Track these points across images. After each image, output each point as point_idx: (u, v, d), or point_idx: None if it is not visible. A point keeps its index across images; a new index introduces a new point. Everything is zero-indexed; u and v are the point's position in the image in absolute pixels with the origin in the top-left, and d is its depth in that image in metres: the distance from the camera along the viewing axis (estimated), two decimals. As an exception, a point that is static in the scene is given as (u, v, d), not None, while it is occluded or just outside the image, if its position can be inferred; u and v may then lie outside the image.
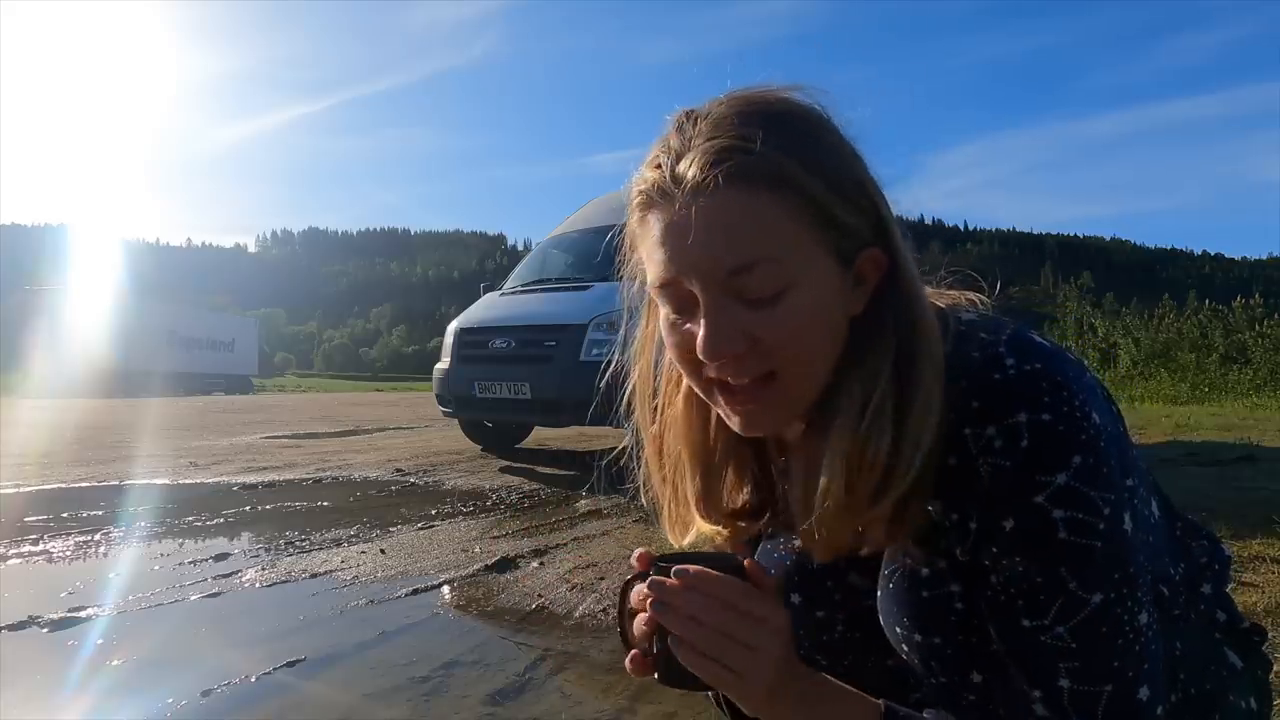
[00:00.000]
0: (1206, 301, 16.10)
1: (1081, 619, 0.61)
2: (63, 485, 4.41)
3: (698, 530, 0.81)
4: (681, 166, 0.63)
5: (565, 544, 3.04)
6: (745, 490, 0.82)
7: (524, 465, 5.39)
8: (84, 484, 4.47)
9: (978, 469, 0.62)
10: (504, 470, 5.17)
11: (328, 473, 5.00)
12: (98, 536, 3.10)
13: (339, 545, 3.00)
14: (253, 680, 1.70)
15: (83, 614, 2.12)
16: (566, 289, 5.58)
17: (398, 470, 5.12)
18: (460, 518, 3.59)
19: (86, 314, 25.77)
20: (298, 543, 3.02)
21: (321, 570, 2.64)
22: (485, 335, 5.54)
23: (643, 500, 0.86)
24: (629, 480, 0.87)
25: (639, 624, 0.69)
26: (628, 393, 0.83)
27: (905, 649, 0.72)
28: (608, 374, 0.85)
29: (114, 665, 1.79)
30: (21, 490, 4.23)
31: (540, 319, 5.35)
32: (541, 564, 2.74)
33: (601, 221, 6.16)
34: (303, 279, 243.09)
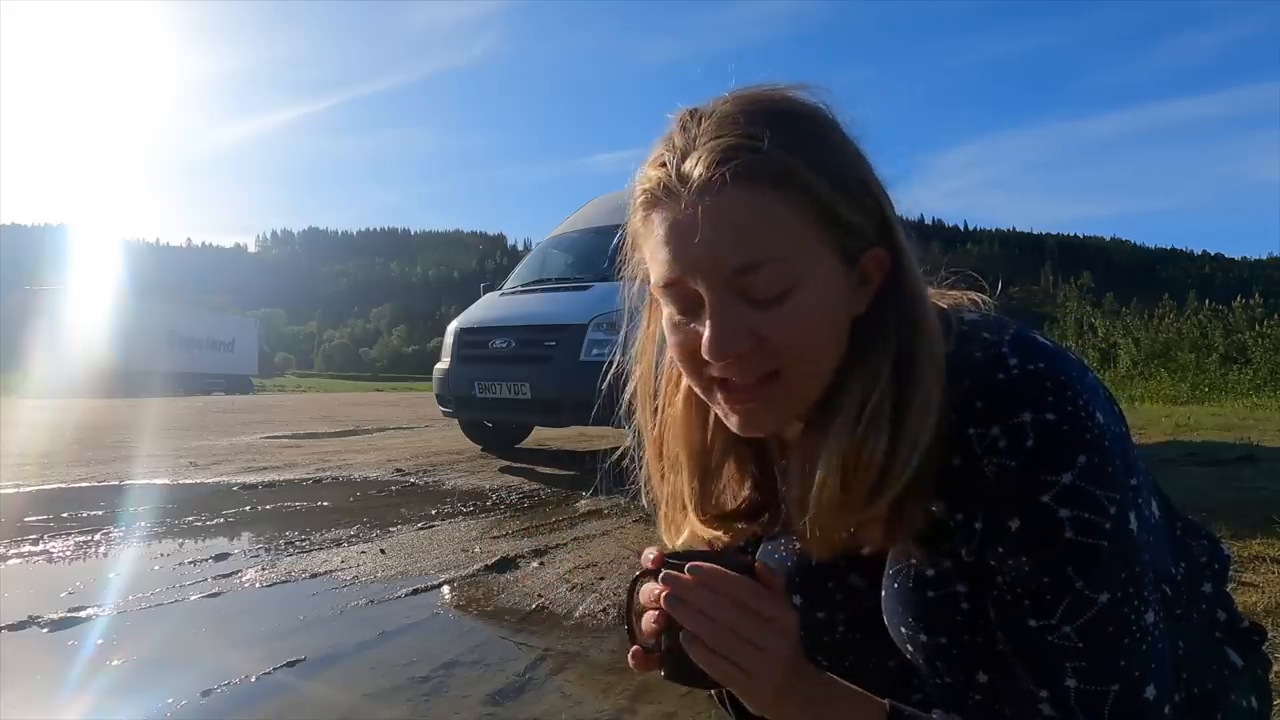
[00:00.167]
0: (1206, 301, 16.10)
1: (1088, 619, 0.61)
2: (63, 485, 4.41)
3: (693, 531, 0.81)
4: (687, 165, 0.63)
5: (565, 544, 3.04)
6: (744, 491, 0.82)
7: (524, 465, 5.39)
8: (84, 484, 4.47)
9: (982, 469, 0.62)
10: (504, 470, 5.16)
11: (328, 473, 5.00)
12: (98, 536, 3.09)
13: (339, 545, 3.00)
14: (253, 680, 1.70)
15: (83, 614, 2.12)
16: (566, 289, 5.58)
17: (398, 470, 5.12)
18: (460, 518, 3.59)
19: (86, 314, 25.77)
20: (298, 543, 3.02)
21: (321, 570, 2.64)
22: (485, 335, 5.54)
23: (644, 501, 0.85)
24: (630, 481, 0.87)
25: (647, 620, 0.70)
26: (629, 394, 0.83)
27: (910, 649, 0.72)
28: (609, 375, 0.85)
29: (114, 665, 1.79)
30: (21, 490, 4.23)
31: (540, 319, 5.35)
32: (541, 564, 2.74)
33: (602, 221, 6.16)
34: (303, 279, 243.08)
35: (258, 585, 2.46)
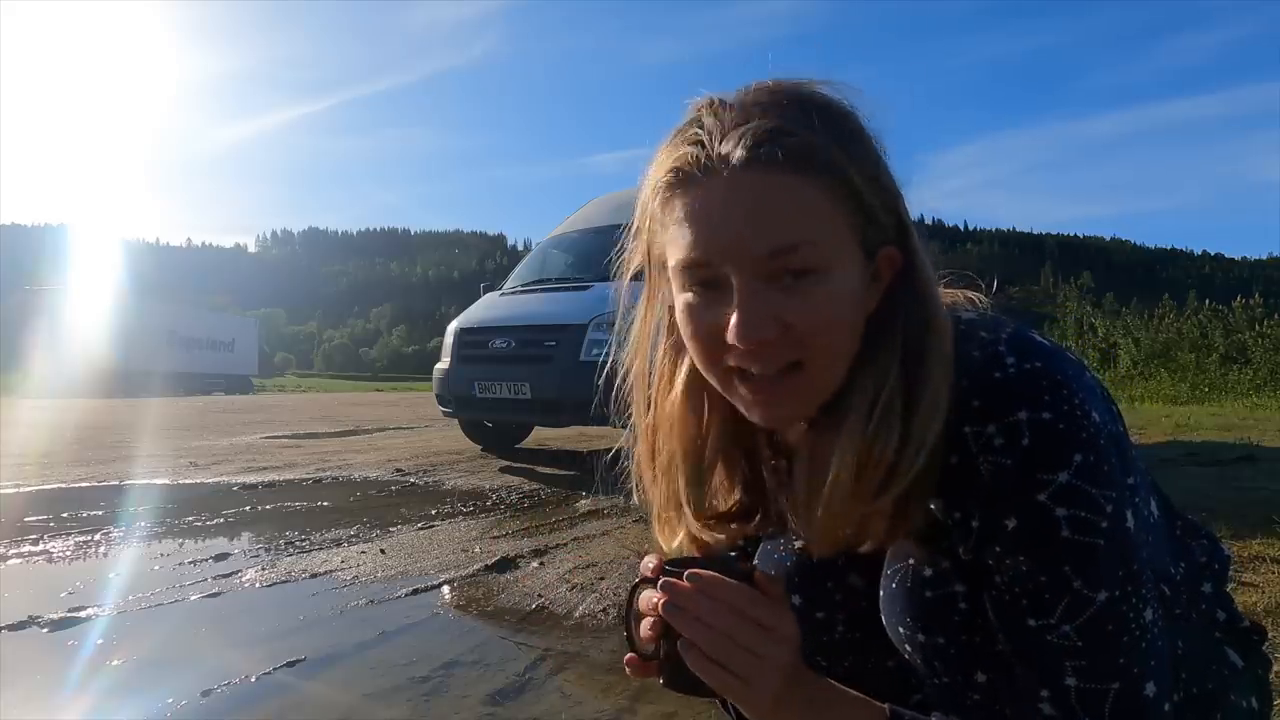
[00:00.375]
0: (1206, 301, 16.09)
1: (1087, 617, 0.61)
2: (63, 485, 4.41)
3: (689, 532, 0.81)
4: (725, 145, 0.62)
5: (565, 544, 3.04)
6: (735, 493, 0.82)
7: (524, 465, 5.39)
8: (84, 484, 4.47)
9: (979, 467, 0.62)
10: (504, 470, 5.16)
11: (328, 473, 5.00)
12: (98, 536, 3.09)
13: (339, 545, 3.00)
14: (253, 680, 1.70)
15: (83, 614, 2.12)
16: (566, 289, 5.58)
17: (398, 470, 5.12)
18: (460, 518, 3.58)
19: (86, 314, 25.77)
20: (298, 543, 3.02)
21: (321, 570, 2.64)
22: (485, 335, 5.54)
23: (636, 501, 0.85)
24: (623, 480, 0.86)
25: (645, 627, 0.70)
26: (626, 390, 0.82)
27: (908, 649, 0.72)
28: (605, 372, 0.84)
29: (114, 665, 1.79)
30: (21, 490, 4.23)
31: (540, 319, 5.35)
32: (541, 564, 2.74)
33: (602, 221, 6.16)
34: (303, 279, 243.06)
35: (258, 585, 2.46)
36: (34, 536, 3.06)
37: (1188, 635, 0.72)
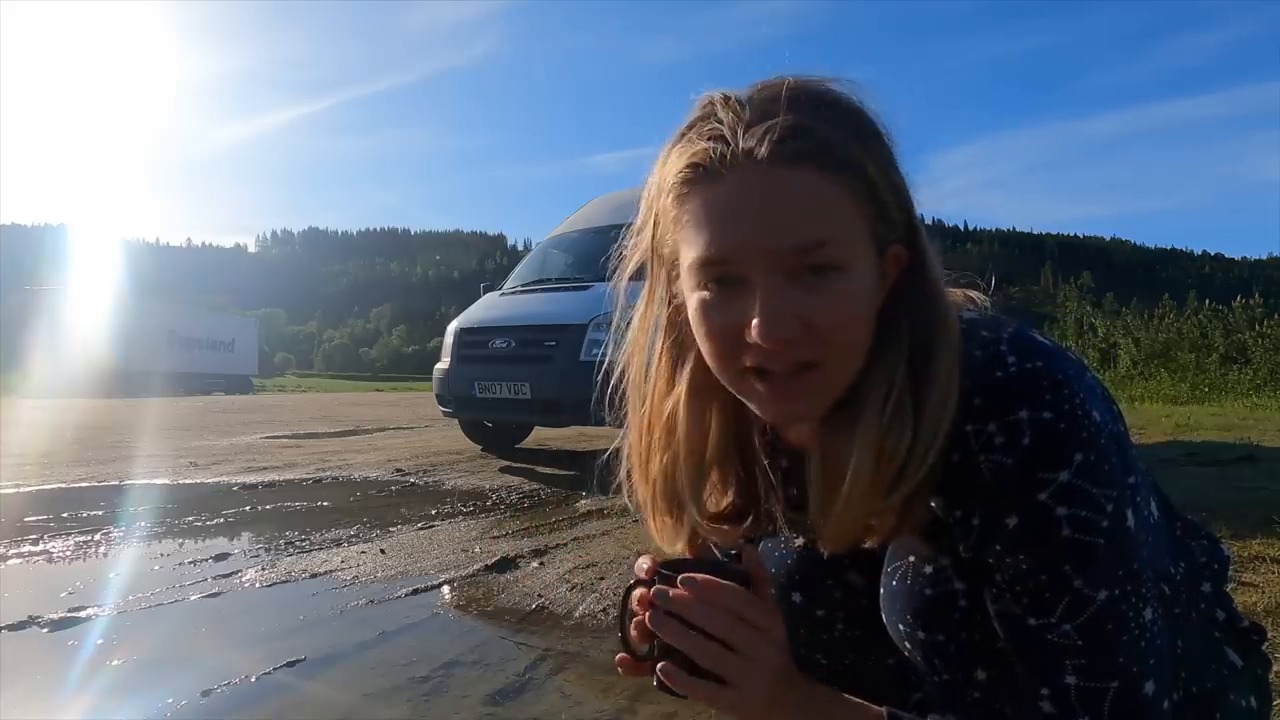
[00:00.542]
0: (1206, 301, 16.09)
1: (1087, 616, 0.61)
2: (63, 485, 4.41)
3: (689, 531, 0.80)
4: (747, 141, 0.61)
5: (565, 544, 3.04)
6: (729, 494, 0.82)
7: (524, 465, 5.39)
8: (84, 484, 4.47)
9: (979, 466, 0.63)
10: (504, 470, 5.16)
11: (328, 473, 5.00)
12: (98, 536, 3.09)
13: (339, 545, 3.00)
14: (253, 680, 1.70)
15: (83, 614, 2.12)
16: (566, 289, 5.58)
17: (398, 470, 5.12)
18: (460, 518, 3.58)
19: (86, 314, 25.77)
20: (298, 543, 3.02)
21: (321, 570, 2.64)
22: (485, 335, 5.54)
23: (626, 501, 0.84)
24: (619, 481, 0.86)
25: (635, 627, 0.70)
26: (623, 388, 0.82)
27: (908, 646, 0.72)
28: (603, 371, 0.83)
29: (114, 665, 1.79)
30: (21, 490, 4.23)
31: (540, 319, 5.36)
32: (541, 564, 2.74)
33: (602, 221, 6.16)
34: (303, 279, 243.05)
35: (258, 585, 2.46)
36: (34, 536, 3.06)
37: (1187, 634, 0.72)
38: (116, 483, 4.53)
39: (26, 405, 13.37)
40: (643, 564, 0.72)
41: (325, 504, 3.93)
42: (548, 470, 5.20)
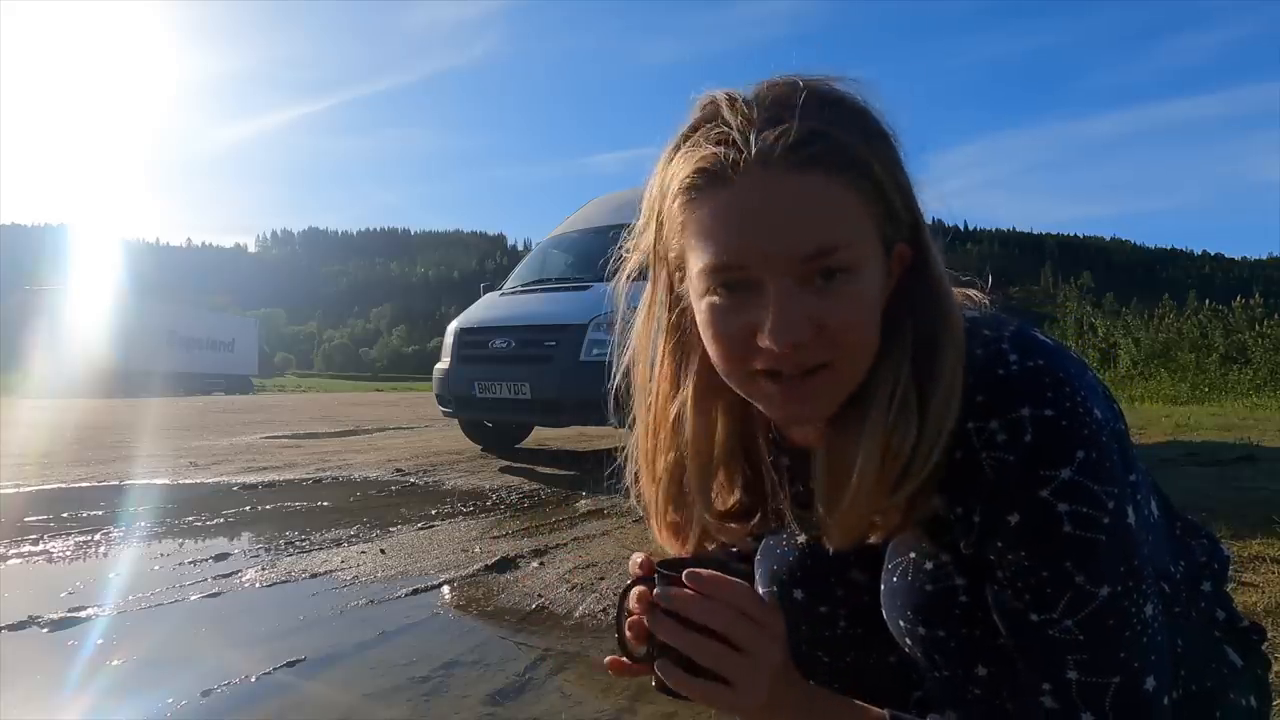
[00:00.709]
0: (1206, 301, 16.10)
1: (1089, 612, 0.61)
2: (63, 485, 4.41)
3: (700, 531, 0.80)
4: (758, 145, 0.61)
5: (565, 544, 3.04)
6: (735, 493, 0.82)
7: (524, 465, 5.39)
8: (84, 484, 4.47)
9: (981, 463, 0.63)
10: (504, 470, 5.16)
11: (328, 473, 5.00)
12: (98, 536, 3.09)
13: (339, 545, 3.00)
14: (253, 680, 1.70)
15: (83, 614, 2.12)
16: (566, 289, 5.58)
17: (398, 470, 5.12)
18: (460, 518, 3.58)
19: (86, 314, 25.78)
20: (298, 543, 3.02)
21: (321, 570, 2.64)
22: (485, 335, 5.54)
23: (634, 503, 0.84)
24: (623, 481, 0.86)
25: (631, 628, 0.70)
26: (625, 391, 0.82)
27: (909, 642, 0.72)
28: (614, 373, 0.83)
29: (114, 665, 1.79)
30: (21, 490, 4.23)
31: (540, 319, 5.36)
32: (541, 564, 2.74)
33: (601, 221, 6.16)
34: (303, 279, 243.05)
35: (258, 585, 2.46)
36: (34, 536, 3.06)
37: (1187, 633, 0.72)
38: (116, 483, 4.53)
39: (26, 405, 13.37)
40: (637, 559, 0.72)
41: (325, 504, 3.93)
42: (548, 470, 5.20)
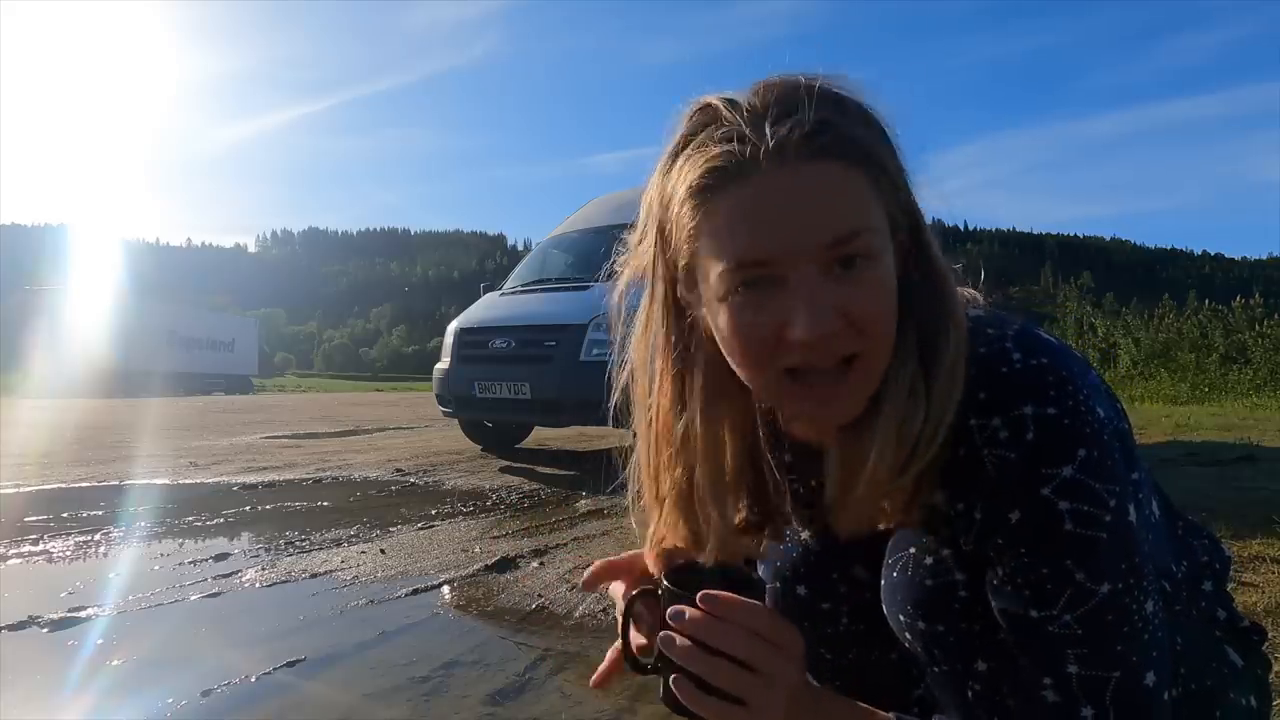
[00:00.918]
0: (1206, 301, 16.10)
1: (1089, 609, 0.61)
2: (63, 485, 4.41)
3: (717, 545, 0.77)
4: (773, 139, 0.60)
5: (565, 544, 3.04)
6: (745, 502, 0.81)
7: (524, 465, 5.39)
8: (84, 484, 4.47)
9: (983, 460, 0.63)
10: (504, 470, 5.16)
11: (328, 473, 5.00)
12: (98, 536, 3.09)
13: (339, 545, 3.00)
14: (253, 680, 1.70)
15: (83, 614, 2.12)
16: (566, 289, 5.58)
17: (398, 470, 5.12)
18: (460, 518, 3.58)
19: (86, 314, 25.78)
20: (298, 543, 3.02)
21: (321, 570, 2.64)
22: (485, 335, 5.54)
23: (634, 525, 0.82)
24: (623, 495, 0.84)
25: (636, 637, 0.69)
26: (626, 403, 0.80)
27: (909, 637, 0.72)
28: (617, 378, 0.81)
29: (114, 665, 1.79)
30: (21, 490, 4.23)
31: (540, 319, 5.36)
32: (541, 564, 2.74)
33: (601, 221, 6.16)
34: (303, 279, 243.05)
35: (258, 585, 2.46)
36: (34, 536, 3.06)
37: (1188, 632, 0.72)
38: (116, 483, 4.53)
39: (26, 405, 13.37)
40: (644, 562, 0.71)
41: (325, 504, 3.93)
42: (548, 470, 5.20)
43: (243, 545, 3.02)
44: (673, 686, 0.63)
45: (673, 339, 0.73)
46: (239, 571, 2.59)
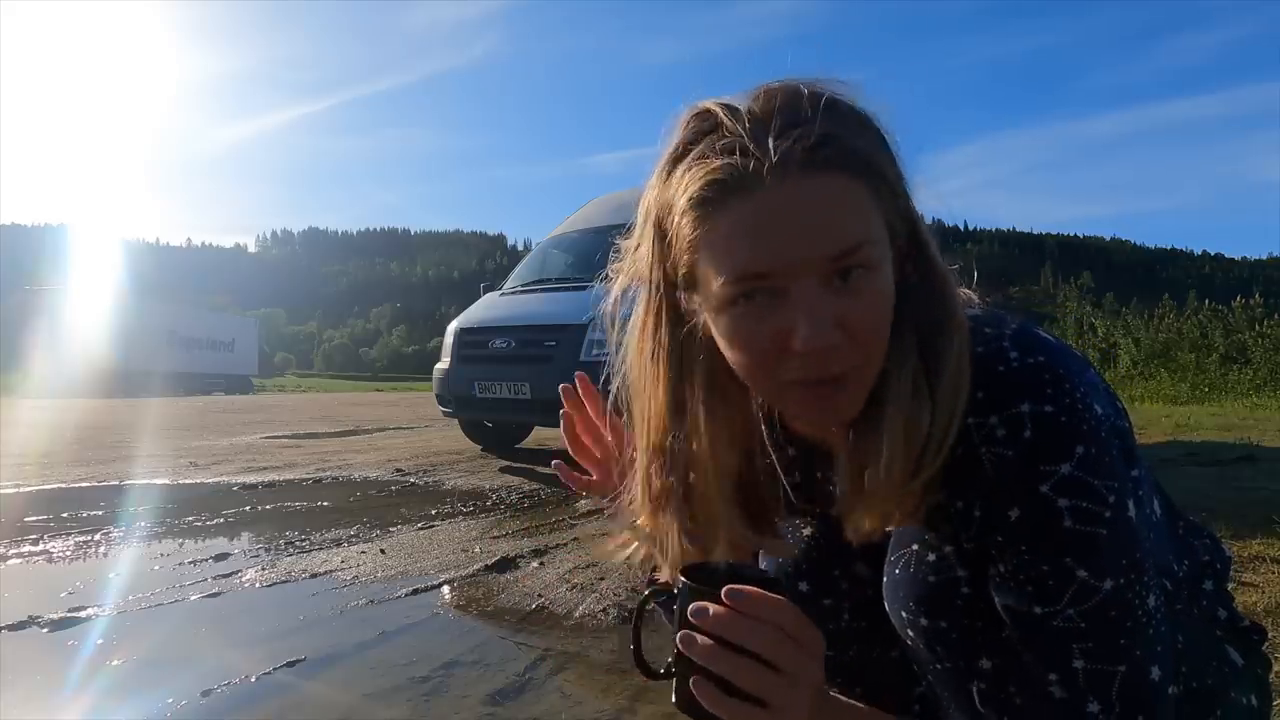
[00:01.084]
0: (1206, 301, 16.11)
1: (1093, 604, 0.61)
2: (63, 485, 4.41)
3: (724, 546, 0.76)
4: (775, 151, 0.60)
5: (565, 544, 3.04)
6: (747, 502, 0.80)
7: (524, 465, 5.39)
8: (84, 484, 4.46)
9: (981, 458, 0.63)
10: (504, 470, 5.16)
11: (328, 473, 4.99)
12: (98, 536, 3.09)
13: (339, 545, 3.00)
14: (253, 680, 1.70)
15: (83, 614, 2.12)
16: (566, 289, 5.58)
17: (398, 470, 5.12)
18: (460, 518, 3.58)
19: (86, 314, 25.78)
20: (298, 543, 3.02)
21: (321, 570, 2.64)
22: (485, 335, 5.54)
23: (617, 522, 0.82)
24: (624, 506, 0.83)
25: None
26: (627, 412, 0.79)
27: (910, 634, 0.72)
28: (613, 384, 0.80)
29: (114, 665, 1.79)
30: (21, 490, 4.23)
31: (540, 319, 5.36)
32: (541, 564, 2.74)
33: (601, 221, 6.16)
34: (303, 279, 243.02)
35: (258, 585, 2.46)
36: (34, 536, 3.06)
37: (1188, 630, 0.73)
38: (116, 483, 4.53)
39: (26, 405, 13.36)
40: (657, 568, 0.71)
41: (325, 504, 3.93)
42: (548, 470, 5.17)
43: (243, 545, 3.02)
44: (693, 688, 0.61)
45: (670, 345, 0.72)
46: (239, 571, 2.59)
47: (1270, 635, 1.35)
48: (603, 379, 0.83)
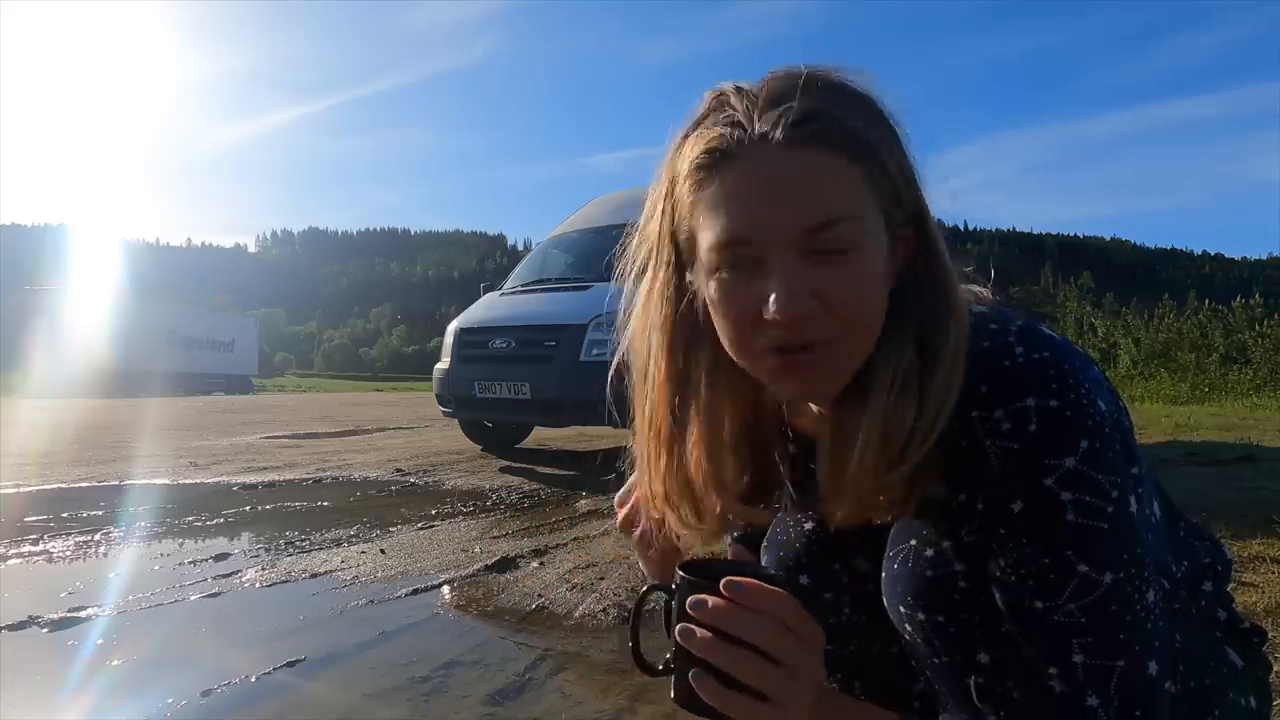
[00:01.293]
0: (1206, 301, 16.11)
1: (1093, 599, 0.62)
2: (63, 485, 4.41)
3: (715, 517, 0.78)
4: (764, 124, 0.63)
5: (565, 544, 3.04)
6: (746, 480, 0.82)
7: (524, 465, 5.39)
8: (84, 484, 4.47)
9: (985, 452, 0.64)
10: (504, 470, 5.16)
11: (328, 473, 4.99)
12: (98, 536, 3.09)
13: (339, 545, 3.00)
14: (253, 680, 1.70)
15: (83, 614, 2.12)
16: (566, 289, 5.58)
17: (398, 470, 5.12)
18: (460, 518, 3.58)
19: (86, 314, 25.79)
20: (298, 543, 3.02)
21: (321, 570, 2.64)
22: (485, 335, 5.54)
23: (614, 501, 0.83)
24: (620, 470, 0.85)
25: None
26: (627, 385, 0.80)
27: (909, 629, 0.72)
28: (612, 370, 0.82)
29: (114, 665, 1.79)
30: (21, 490, 4.23)
31: (540, 319, 5.36)
32: (541, 564, 2.74)
33: (601, 221, 6.17)
34: (303, 279, 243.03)
35: (258, 585, 2.46)
36: (34, 536, 3.06)
37: (1187, 630, 0.73)
38: (116, 483, 4.53)
39: (26, 405, 13.37)
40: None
41: (325, 504, 3.93)
42: (548, 470, 5.20)
43: (243, 545, 3.02)
44: (692, 681, 0.61)
45: (676, 315, 0.74)
46: (239, 571, 2.59)
47: (1270, 636, 1.35)
48: (606, 377, 0.83)
